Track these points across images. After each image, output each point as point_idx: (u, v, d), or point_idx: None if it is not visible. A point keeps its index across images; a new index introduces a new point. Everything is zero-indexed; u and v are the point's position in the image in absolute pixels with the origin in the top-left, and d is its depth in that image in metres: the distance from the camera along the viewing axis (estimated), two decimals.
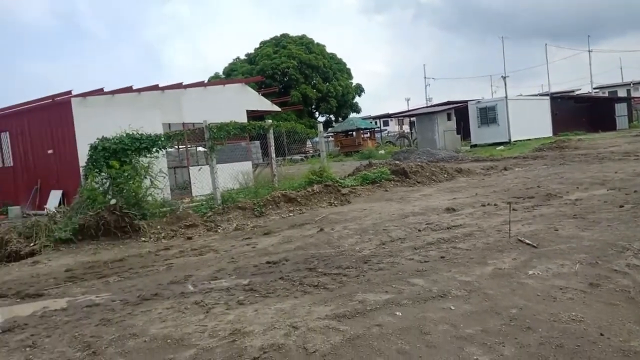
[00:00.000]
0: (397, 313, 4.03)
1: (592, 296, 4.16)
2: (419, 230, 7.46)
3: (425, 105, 52.54)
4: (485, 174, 15.45)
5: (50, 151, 14.48)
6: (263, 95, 21.07)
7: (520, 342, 3.38)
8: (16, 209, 14.26)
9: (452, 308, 4.08)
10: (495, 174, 15.20)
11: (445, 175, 14.67)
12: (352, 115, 50.03)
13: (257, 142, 19.75)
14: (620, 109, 44.09)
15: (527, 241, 6.06)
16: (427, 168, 14.84)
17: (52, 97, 14.05)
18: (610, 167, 14.08)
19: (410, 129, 48.28)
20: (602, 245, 5.65)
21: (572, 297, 4.15)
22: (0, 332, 4.47)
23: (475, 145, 32.90)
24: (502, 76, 35.98)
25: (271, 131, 13.28)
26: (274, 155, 13.46)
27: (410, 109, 56.20)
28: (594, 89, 66.05)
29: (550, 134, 35.05)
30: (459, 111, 36.25)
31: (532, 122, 33.77)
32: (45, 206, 13.60)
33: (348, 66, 51.20)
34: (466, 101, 37.28)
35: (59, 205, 12.97)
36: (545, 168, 15.73)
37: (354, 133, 40.11)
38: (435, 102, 54.03)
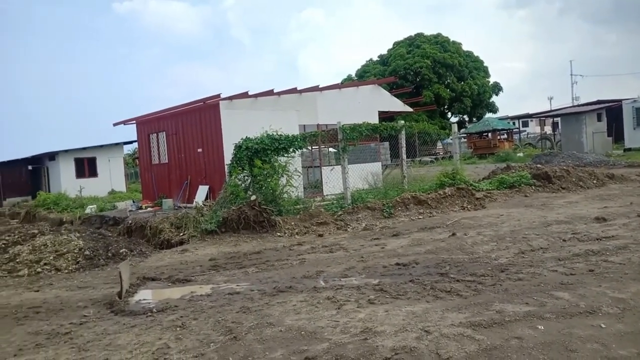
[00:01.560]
0: (539, 327, 3.76)
1: None
2: (564, 240, 6.90)
3: (571, 105, 48.36)
4: None
5: (199, 150, 15.87)
6: (395, 95, 20.98)
7: None
8: (169, 201, 15.83)
9: (603, 326, 3.70)
10: None
11: (595, 181, 13.37)
12: (488, 115, 47.69)
13: (386, 143, 19.69)
14: None
15: None
16: (573, 173, 13.64)
17: (203, 100, 15.37)
18: None
19: (553, 130, 44.70)
20: None
21: None
22: (155, 312, 5.00)
23: (630, 149, 29.47)
24: None
25: (403, 132, 13.17)
26: (404, 156, 13.33)
27: (553, 108, 52.09)
28: None
29: None
30: (610, 111, 32.75)
31: None
32: (194, 200, 14.93)
33: (485, 64, 48.91)
34: (620, 100, 33.54)
35: (205, 199, 14.18)
36: None
37: (489, 134, 38.19)
38: (582, 101, 49.48)
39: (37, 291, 6.51)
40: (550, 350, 3.35)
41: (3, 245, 8.88)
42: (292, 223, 9.83)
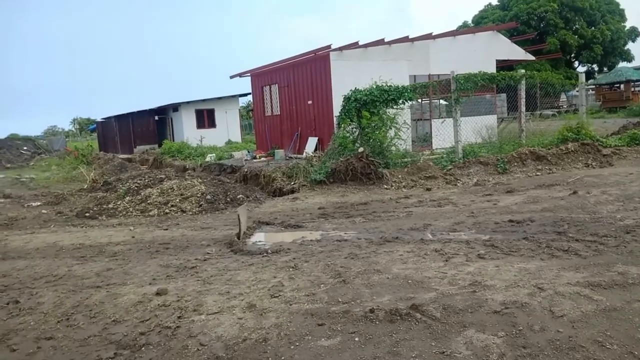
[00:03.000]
0: None
1: None
2: None
3: None
4: None
5: (309, 102, 16.17)
6: (515, 43, 19.54)
7: None
8: (281, 152, 16.46)
9: None
10: None
11: None
12: (622, 64, 42.88)
13: (504, 95, 18.57)
14: None
15: None
16: None
17: (314, 51, 15.49)
18: None
19: None
20: None
21: None
22: (270, 253, 5.34)
23: None
24: None
25: (523, 82, 12.33)
26: (523, 109, 12.53)
27: None
28: None
29: None
30: None
31: None
32: (304, 150, 15.38)
33: (621, 7, 43.62)
34: None
35: (315, 151, 14.55)
36: None
37: (622, 86, 34.47)
38: None
39: (166, 230, 7.22)
40: None
41: (136, 188, 9.88)
42: (400, 176, 9.79)
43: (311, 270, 4.58)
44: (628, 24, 44.16)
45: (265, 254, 5.28)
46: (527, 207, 6.92)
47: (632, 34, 44.51)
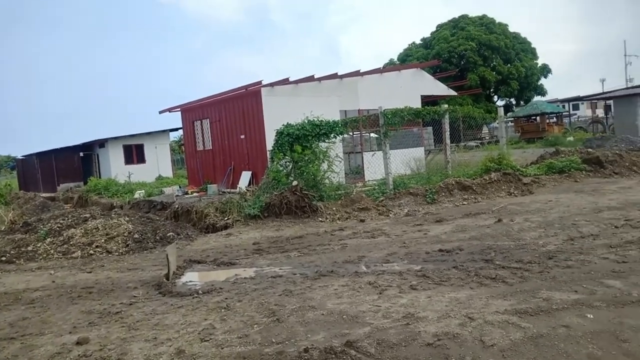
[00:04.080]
0: (588, 315, 3.64)
1: None
2: (616, 227, 6.63)
3: (624, 87, 46.11)
4: None
5: (242, 136, 16.06)
6: (438, 79, 20.55)
7: None
8: (214, 186, 16.14)
9: None
10: None
11: None
12: (536, 98, 46.03)
13: (430, 128, 19.36)
14: None
15: None
16: (626, 157, 13.04)
17: (245, 87, 15.50)
18: None
19: (605, 114, 42.81)
20: None
21: None
22: (201, 293, 5.13)
23: None
24: None
25: (446, 116, 12.90)
26: (448, 141, 13.08)
27: (605, 91, 49.82)
28: None
29: None
30: None
31: None
32: (237, 185, 15.18)
33: (533, 45, 47.15)
34: None
35: (248, 185, 14.40)
36: None
37: (538, 118, 36.93)
38: (636, 82, 47.08)
39: (90, 272, 6.79)
40: (599, 340, 3.24)
41: (58, 228, 9.29)
42: (334, 208, 9.85)
43: (244, 310, 4.44)
44: (540, 62, 47.74)
45: (195, 295, 5.07)
46: (456, 236, 7.12)
47: (544, 70, 48.10)
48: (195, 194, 15.57)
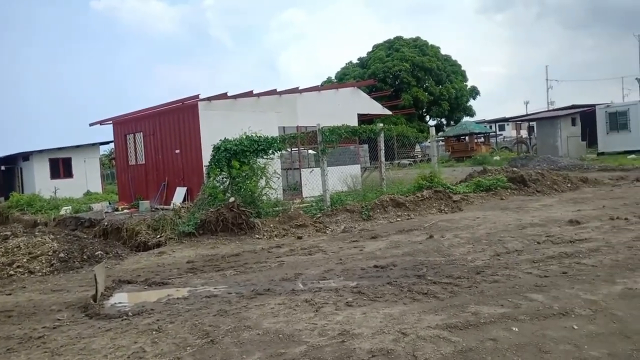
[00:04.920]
0: (514, 328, 3.83)
1: None
2: (538, 243, 7.03)
3: (546, 109, 49.29)
4: (614, 184, 14.14)
5: (177, 151, 15.71)
6: (374, 98, 21.09)
7: None
8: (146, 203, 15.63)
9: (575, 327, 3.79)
10: (625, 185, 13.85)
11: (569, 185, 13.65)
12: (466, 119, 48.27)
13: (366, 146, 19.79)
14: None
15: None
16: (548, 176, 13.90)
17: (182, 100, 15.23)
18: None
19: (529, 134, 45.50)
20: None
21: None
22: (131, 315, 4.93)
23: (603, 153, 30.16)
24: (636, 78, 32.63)
25: (382, 135, 13.25)
26: (383, 159, 13.42)
27: (529, 112, 53.03)
28: None
29: None
30: (584, 116, 33.45)
31: None
32: (171, 201, 14.77)
33: (463, 68, 49.52)
34: (593, 105, 34.30)
35: (183, 201, 14.06)
36: None
37: (467, 138, 38.72)
38: (557, 105, 50.50)
39: (10, 294, 6.36)
40: (524, 352, 3.41)
41: None
42: (271, 225, 9.81)
43: (177, 332, 4.31)
44: (469, 84, 50.14)
45: (125, 317, 4.87)
46: (390, 252, 7.29)
47: (473, 92, 50.52)
48: (126, 211, 15.00)
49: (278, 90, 16.39)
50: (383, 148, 13.37)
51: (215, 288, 5.90)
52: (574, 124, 31.85)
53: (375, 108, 20.54)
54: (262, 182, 11.04)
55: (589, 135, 33.14)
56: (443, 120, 50.29)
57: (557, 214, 9.46)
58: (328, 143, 11.90)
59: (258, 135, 11.32)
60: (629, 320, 3.88)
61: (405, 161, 32.88)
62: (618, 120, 30.58)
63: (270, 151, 11.36)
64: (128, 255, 8.90)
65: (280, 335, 4.02)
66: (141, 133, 17.48)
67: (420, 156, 38.86)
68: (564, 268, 5.55)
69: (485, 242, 7.34)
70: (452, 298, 4.72)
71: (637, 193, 11.93)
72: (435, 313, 4.30)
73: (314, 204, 12.00)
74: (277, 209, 11.01)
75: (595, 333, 3.68)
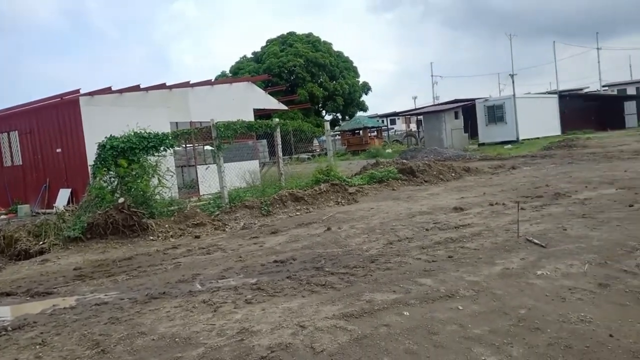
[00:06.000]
0: (405, 313, 4.03)
1: (602, 297, 4.13)
2: (427, 230, 7.45)
3: (432, 104, 52.41)
4: (493, 172, 15.39)
5: (58, 150, 14.58)
6: (270, 93, 21.09)
7: (529, 342, 3.36)
8: (25, 207, 14.37)
9: (460, 308, 4.07)
10: (503, 173, 15.14)
11: (453, 174, 14.63)
12: (359, 113, 49.98)
13: (264, 141, 19.76)
14: (630, 107, 43.77)
15: (536, 241, 6.03)
16: (434, 167, 14.79)
17: (61, 95, 14.14)
18: (619, 166, 13.98)
19: (418, 128, 48.15)
20: (611, 245, 5.61)
21: (581, 298, 4.13)
22: (11, 330, 4.51)
23: (483, 144, 32.75)
24: (509, 74, 35.77)
25: (278, 130, 13.29)
26: (280, 154, 13.47)
27: (417, 107, 56.04)
28: (603, 87, 65.58)
29: (559, 133, 34.88)
30: (466, 109, 36.08)
31: (540, 121, 33.61)
32: (54, 205, 13.69)
33: (355, 64, 51.19)
34: (474, 99, 37.12)
35: (67, 204, 13.07)
36: (554, 167, 15.64)
37: (361, 132, 40.06)
38: (442, 100, 53.89)
39: None
40: (414, 335, 3.60)
41: None
42: (166, 225, 9.45)
43: (63, 344, 4.01)
44: (361, 80, 51.89)
45: (4, 333, 4.44)
46: (290, 246, 7.34)
47: (365, 87, 52.39)
48: (2, 217, 13.65)
49: (168, 84, 15.78)
50: (280, 143, 13.42)
51: (105, 295, 5.57)
52: (457, 117, 34.18)
53: (271, 103, 20.55)
54: (155, 181, 10.58)
55: (471, 128, 35.79)
56: (338, 115, 51.62)
57: (443, 202, 10.10)
58: (224, 139, 11.69)
59: (148, 131, 10.82)
60: (507, 298, 4.24)
61: (304, 155, 33.31)
62: (495, 113, 33.34)
63: (162, 148, 10.91)
64: (7, 265, 8.11)
65: (176, 339, 3.89)
66: (16, 131, 15.99)
67: (318, 150, 39.59)
68: (450, 252, 5.94)
69: (379, 232, 7.65)
70: (349, 287, 4.86)
71: (513, 180, 13.08)
72: (332, 304, 4.40)
73: (211, 201, 11.75)
74: (172, 208, 10.62)
75: (478, 312, 3.98)
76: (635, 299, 4.04)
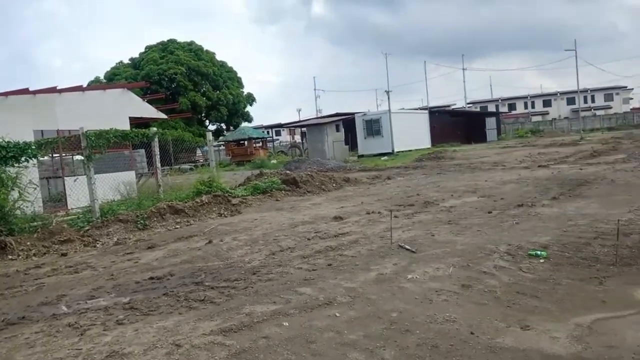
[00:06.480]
0: (284, 323, 4.04)
1: (464, 297, 4.49)
2: (308, 239, 7.58)
3: (315, 117, 53.77)
4: (370, 183, 16.12)
5: None
6: (149, 101, 20.17)
7: (400, 344, 3.55)
8: None
9: (337, 315, 4.18)
10: (379, 183, 15.92)
11: (334, 185, 15.08)
12: (244, 124, 49.67)
13: (142, 151, 18.82)
14: (490, 122, 48.68)
15: (407, 247, 6.41)
16: (316, 177, 15.14)
17: None
18: (480, 176, 15.39)
19: (302, 139, 49.08)
20: (473, 248, 6.13)
21: (446, 299, 4.45)
22: None
23: (362, 156, 34.25)
24: (385, 91, 37.92)
25: (156, 139, 12.75)
26: (159, 164, 12.93)
27: (301, 119, 57.13)
28: (468, 104, 72.31)
29: (429, 145, 37.60)
30: (347, 123, 37.58)
31: (413, 134, 36.02)
32: None
33: (239, 75, 50.84)
34: (354, 113, 38.77)
35: None
36: (424, 177, 16.79)
37: (246, 142, 39.84)
38: (325, 113, 55.53)
39: None
40: (293, 345, 3.63)
41: None
42: (28, 243, 8.60)
43: None
44: (246, 90, 51.69)
45: None
46: (168, 261, 7.04)
47: (250, 98, 52.21)
48: None
49: (32, 89, 14.43)
50: (158, 153, 12.88)
51: None
52: (338, 130, 35.43)
53: (150, 111, 19.64)
54: (15, 194, 9.60)
55: (351, 140, 37.31)
56: (223, 125, 50.88)
57: (324, 212, 10.36)
58: (95, 148, 10.94)
59: (6, 140, 9.81)
60: (381, 303, 4.44)
61: (186, 166, 32.30)
62: (373, 127, 35.12)
63: (23, 158, 9.94)
64: None
65: None
66: None
67: (201, 161, 38.59)
68: (329, 260, 6.10)
69: (262, 243, 7.63)
70: (229, 301, 4.78)
71: (388, 190, 13.80)
72: (210, 319, 4.29)
73: (81, 215, 10.92)
74: (35, 224, 9.70)
75: (354, 318, 4.12)
76: (493, 298, 4.45)
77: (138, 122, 19.12)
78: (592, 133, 46.31)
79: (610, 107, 79.79)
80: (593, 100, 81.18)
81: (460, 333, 3.70)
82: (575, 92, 60.02)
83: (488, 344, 3.50)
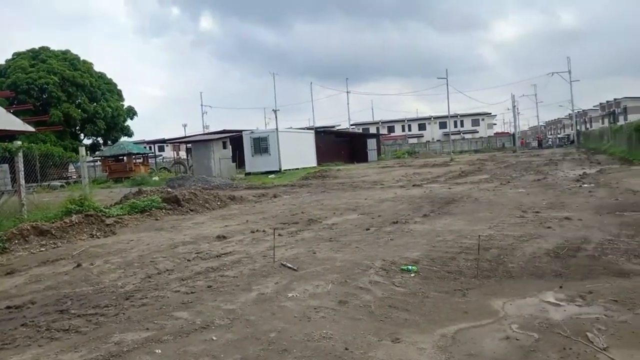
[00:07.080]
0: (157, 351, 3.85)
1: (341, 313, 4.62)
2: (188, 260, 7.33)
3: (202, 133, 52.66)
4: (257, 201, 16.06)
5: None
6: (15, 113, 18.35)
7: None
8: None
9: (214, 338, 4.07)
10: (266, 201, 15.92)
11: (219, 203, 14.80)
12: (124, 139, 47.14)
13: (6, 166, 17.04)
14: (371, 143, 51.26)
15: (289, 265, 6.46)
16: (200, 196, 14.75)
17: None
18: (361, 194, 16.04)
19: (187, 156, 47.66)
20: (351, 265, 6.34)
21: (324, 316, 4.54)
22: None
23: (250, 174, 34.12)
24: (273, 109, 38.33)
25: (20, 154, 11.63)
26: (23, 181, 11.79)
27: (187, 135, 55.59)
28: (351, 125, 75.45)
29: (315, 164, 38.57)
30: (234, 140, 37.26)
31: (300, 153, 36.70)
32: None
33: (119, 87, 48.37)
34: (241, 130, 38.60)
35: None
36: (309, 195, 17.12)
37: (125, 158, 37.78)
38: (212, 129, 54.63)
39: None
40: None
41: None
42: None
43: None
44: (126, 103, 49.26)
45: None
46: (29, 287, 6.40)
47: (130, 112, 49.83)
48: None
49: None
50: (22, 169, 11.75)
51: None
52: (225, 147, 34.99)
53: (15, 123, 17.84)
54: None
55: (238, 157, 37.04)
56: (100, 139, 47.92)
57: (207, 231, 10.11)
58: None
59: None
60: (260, 323, 4.41)
61: (57, 183, 29.81)
62: (261, 144, 35.25)
63: None
64: None
65: None
66: None
67: (75, 177, 35.83)
68: (210, 282, 5.94)
69: (138, 265, 7.23)
70: (97, 330, 4.45)
71: (274, 207, 13.85)
72: (75, 350, 3.95)
73: None
74: None
75: (232, 340, 4.04)
76: (367, 313, 4.62)
77: (3, 135, 17.32)
78: (461, 155, 50.64)
79: (477, 132, 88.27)
80: (462, 125, 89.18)
81: (336, 349, 3.78)
82: (447, 117, 65.47)
83: (361, 358, 3.62)
